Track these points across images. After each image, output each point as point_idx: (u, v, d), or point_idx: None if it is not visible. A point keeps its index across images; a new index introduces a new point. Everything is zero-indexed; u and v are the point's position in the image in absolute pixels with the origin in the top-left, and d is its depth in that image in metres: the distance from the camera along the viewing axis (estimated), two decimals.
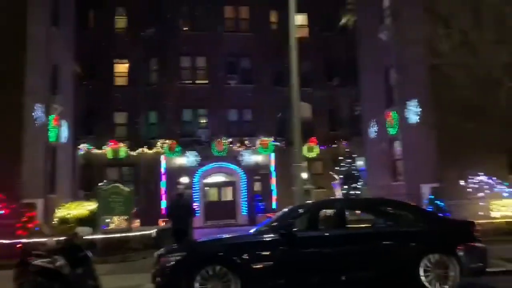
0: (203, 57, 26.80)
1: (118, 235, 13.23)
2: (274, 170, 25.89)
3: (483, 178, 15.41)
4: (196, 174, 25.59)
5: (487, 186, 15.43)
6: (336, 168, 22.57)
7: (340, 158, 22.66)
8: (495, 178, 15.33)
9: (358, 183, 20.62)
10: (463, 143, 13.70)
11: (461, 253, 7.05)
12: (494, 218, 14.91)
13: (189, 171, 25.25)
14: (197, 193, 25.42)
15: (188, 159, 25.34)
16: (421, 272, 6.89)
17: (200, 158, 25.39)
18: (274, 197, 25.62)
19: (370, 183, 21.25)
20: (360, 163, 24.20)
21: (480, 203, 15.16)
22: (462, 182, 15.32)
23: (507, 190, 15.30)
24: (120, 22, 27.02)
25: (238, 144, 25.58)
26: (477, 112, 11.82)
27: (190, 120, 26.83)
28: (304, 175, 15.74)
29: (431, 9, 12.33)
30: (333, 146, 27.19)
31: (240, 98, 26.29)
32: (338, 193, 21.00)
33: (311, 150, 26.84)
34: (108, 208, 14.20)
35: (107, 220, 14.05)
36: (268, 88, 26.63)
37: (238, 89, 26.56)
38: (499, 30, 11.54)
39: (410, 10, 14.33)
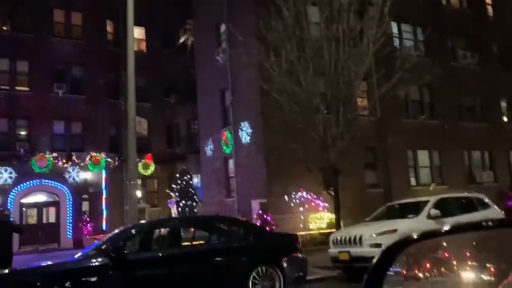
0: (25, 61, 24.24)
1: None
2: (106, 189, 24.67)
3: (303, 193, 16.53)
4: (12, 193, 22.80)
5: (306, 201, 16.56)
6: (172, 186, 22.37)
7: (176, 175, 22.58)
8: (312, 193, 16.44)
9: (194, 201, 20.18)
10: (287, 162, 14.29)
11: (285, 264, 7.46)
12: (311, 229, 16.28)
13: (1, 189, 22.37)
14: (12, 214, 22.36)
15: (1, 175, 22.53)
16: (250, 285, 7.08)
17: (16, 175, 22.76)
18: (104, 217, 24.43)
19: (206, 200, 21.50)
20: (196, 180, 24.45)
21: (301, 217, 16.43)
22: (286, 198, 16.32)
23: (321, 204, 16.58)
24: None
25: (65, 160, 23.60)
26: (300, 134, 12.37)
27: (6, 131, 24.04)
28: (138, 194, 15.08)
29: (263, 38, 12.69)
30: (169, 163, 27.06)
31: (68, 109, 24.32)
32: (174, 211, 20.82)
33: (147, 167, 26.33)
34: None
35: None
36: (101, 100, 25.32)
37: (67, 99, 24.57)
38: (319, 64, 12.14)
39: (245, 36, 15.22)
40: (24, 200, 23.80)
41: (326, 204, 16.17)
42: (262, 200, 16.06)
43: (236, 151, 18.76)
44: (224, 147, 19.54)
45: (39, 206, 24.41)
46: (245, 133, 17.92)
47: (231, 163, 19.59)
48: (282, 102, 12.18)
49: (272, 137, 14.39)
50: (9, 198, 22.68)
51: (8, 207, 22.02)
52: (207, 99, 21.61)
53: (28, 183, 23.28)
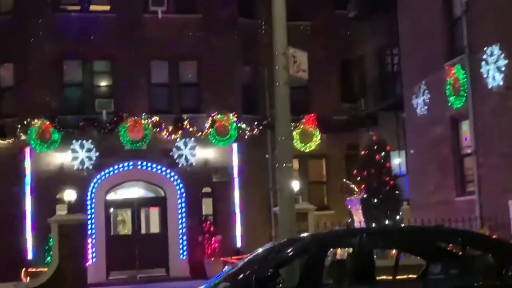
0: None
1: None
2: (239, 176, 25.65)
3: None
4: (92, 184, 24.67)
5: None
6: (354, 172, 22.04)
7: (361, 153, 22.33)
8: None
9: (394, 200, 20.20)
10: None
11: None
12: None
13: (77, 178, 24.03)
14: (93, 220, 24.33)
15: (75, 155, 24.27)
16: None
17: (97, 154, 24.34)
18: (238, 225, 25.48)
19: (416, 199, 22.14)
20: (398, 161, 23.59)
21: None
22: None
23: None
24: None
25: (171, 128, 24.82)
26: None
27: (77, 81, 25.97)
28: (295, 186, 15.38)
29: None
30: (347, 130, 27.49)
31: (173, 40, 25.49)
32: (358, 219, 20.64)
33: (307, 138, 26.75)
34: None
35: None
36: (225, 21, 26.13)
37: (170, 23, 25.81)
38: None
39: None
40: (110, 197, 25.71)
41: None
42: None
43: (475, 104, 18.71)
44: (451, 98, 19.53)
45: (133, 206, 26.13)
46: (494, 68, 17.59)
47: (465, 127, 19.76)
48: None
49: None
50: (88, 193, 24.36)
51: (88, 206, 24.19)
52: (414, 9, 21.56)
53: (115, 168, 24.89)
